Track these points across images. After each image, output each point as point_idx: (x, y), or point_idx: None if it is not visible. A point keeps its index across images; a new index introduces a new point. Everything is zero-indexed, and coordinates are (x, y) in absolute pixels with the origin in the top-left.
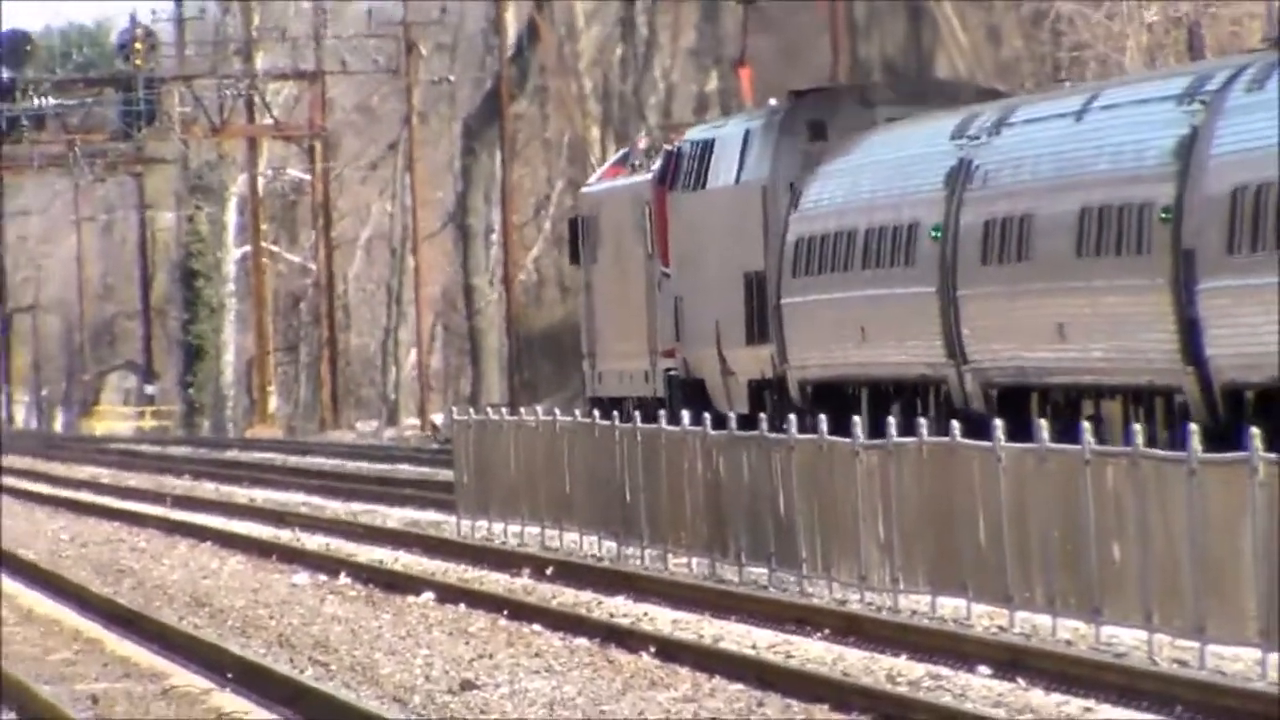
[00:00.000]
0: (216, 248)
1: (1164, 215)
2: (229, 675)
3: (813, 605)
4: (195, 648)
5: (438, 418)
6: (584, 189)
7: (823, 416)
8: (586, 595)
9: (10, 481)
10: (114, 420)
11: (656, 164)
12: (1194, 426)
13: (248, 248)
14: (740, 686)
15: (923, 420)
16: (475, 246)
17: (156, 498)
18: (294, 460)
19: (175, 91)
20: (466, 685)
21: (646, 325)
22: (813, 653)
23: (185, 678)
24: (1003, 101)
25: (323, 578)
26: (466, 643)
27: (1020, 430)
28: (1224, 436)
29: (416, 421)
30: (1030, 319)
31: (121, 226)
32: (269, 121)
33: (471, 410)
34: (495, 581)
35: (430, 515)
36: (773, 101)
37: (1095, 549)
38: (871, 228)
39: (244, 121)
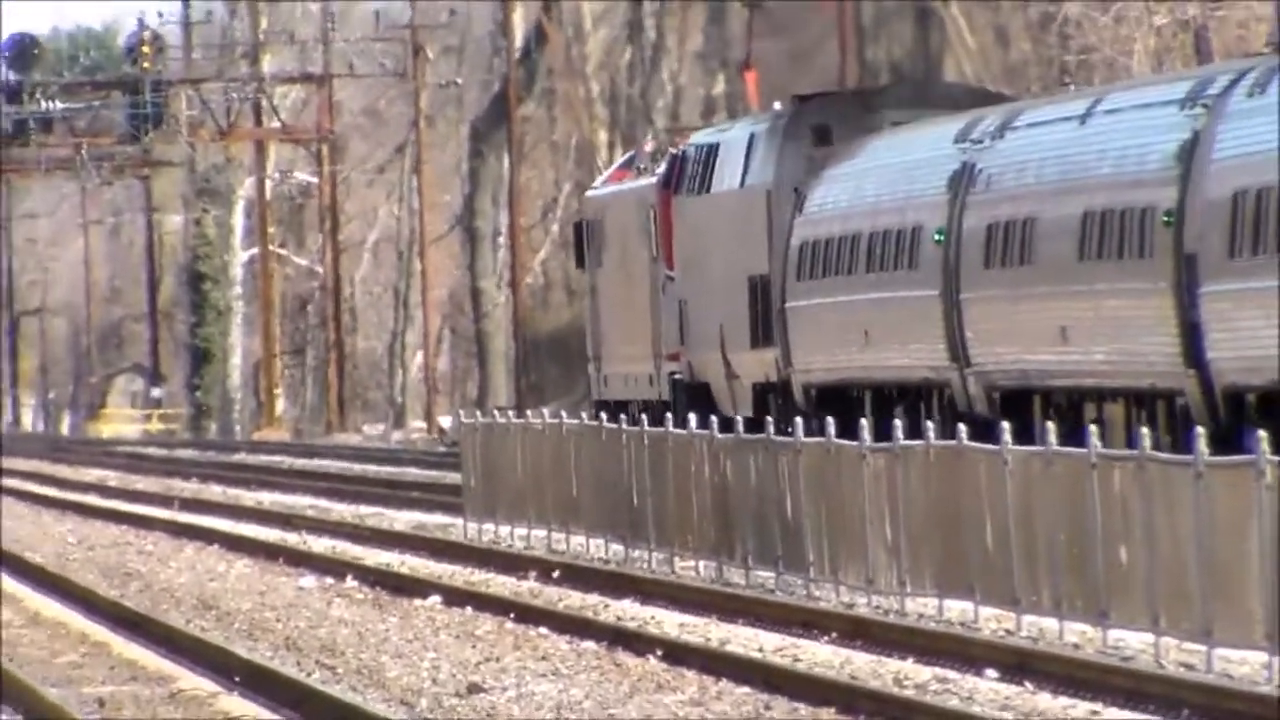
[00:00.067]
0: (224, 251)
1: (1166, 219)
2: (236, 678)
3: (820, 608)
4: (202, 651)
5: (445, 420)
6: (589, 192)
7: (830, 419)
8: (593, 598)
9: (17, 484)
10: (121, 423)
11: (661, 168)
12: (1200, 430)
13: (255, 251)
14: (747, 689)
15: (929, 423)
16: (482, 249)
17: (163, 501)
18: (301, 463)
19: (182, 94)
20: (473, 688)
21: (651, 329)
22: (820, 656)
23: (192, 681)
24: (1006, 105)
25: (329, 580)
26: (473, 646)
27: (1022, 433)
28: (1225, 440)
29: (423, 424)
30: (1033, 322)
31: (129, 229)
32: (276, 125)
33: (478, 413)
34: (502, 584)
35: (437, 518)
36: (777, 105)
37: (1102, 552)
38: (875, 231)
39: (251, 125)
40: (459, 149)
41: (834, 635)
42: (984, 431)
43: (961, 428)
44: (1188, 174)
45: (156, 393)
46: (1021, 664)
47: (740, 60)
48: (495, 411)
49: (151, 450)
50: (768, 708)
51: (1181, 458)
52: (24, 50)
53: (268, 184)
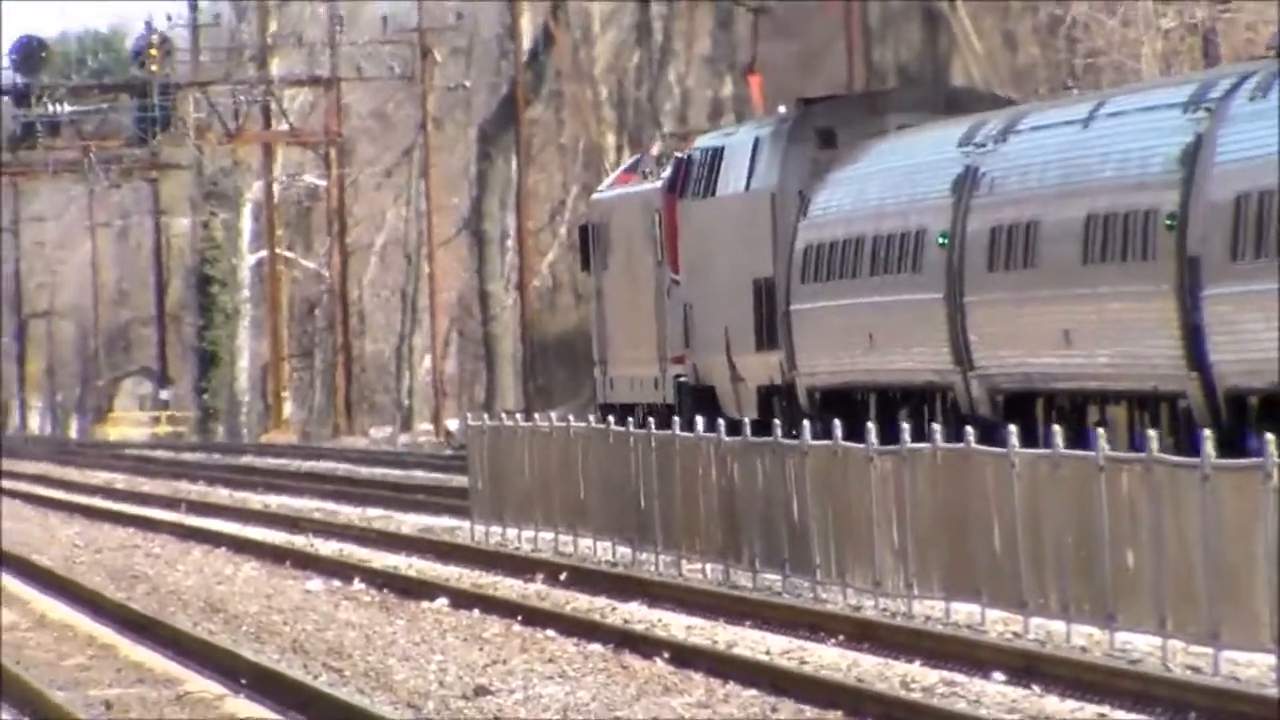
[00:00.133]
0: (231, 254)
1: (1169, 223)
2: (242, 681)
3: (827, 611)
4: (209, 653)
5: (452, 423)
6: (595, 196)
7: (837, 422)
8: (600, 601)
9: (25, 487)
10: (128, 426)
11: (666, 171)
12: (1207, 433)
13: (263, 253)
14: (754, 692)
15: (936, 426)
16: (490, 252)
17: (171, 503)
18: (308, 466)
19: (190, 97)
20: (480, 691)
21: (656, 332)
22: (827, 659)
23: (199, 684)
24: (1010, 109)
25: (336, 583)
26: (480, 648)
27: (1025, 436)
28: (1228, 442)
29: (431, 427)
30: (1036, 325)
31: (136, 232)
32: (284, 127)
33: (486, 416)
34: (509, 587)
35: (444, 521)
36: (782, 109)
37: (1109, 555)
38: (879, 235)
39: (259, 127)
40: (467, 152)
41: (841, 638)
42: (987, 434)
43: (969, 431)
44: (1190, 177)
45: (164, 395)
46: (1029, 667)
47: (745, 64)
48: (503, 414)
49: (159, 453)
50: (775, 710)
51: (1189, 460)
52: (32, 53)
53: (276, 187)
